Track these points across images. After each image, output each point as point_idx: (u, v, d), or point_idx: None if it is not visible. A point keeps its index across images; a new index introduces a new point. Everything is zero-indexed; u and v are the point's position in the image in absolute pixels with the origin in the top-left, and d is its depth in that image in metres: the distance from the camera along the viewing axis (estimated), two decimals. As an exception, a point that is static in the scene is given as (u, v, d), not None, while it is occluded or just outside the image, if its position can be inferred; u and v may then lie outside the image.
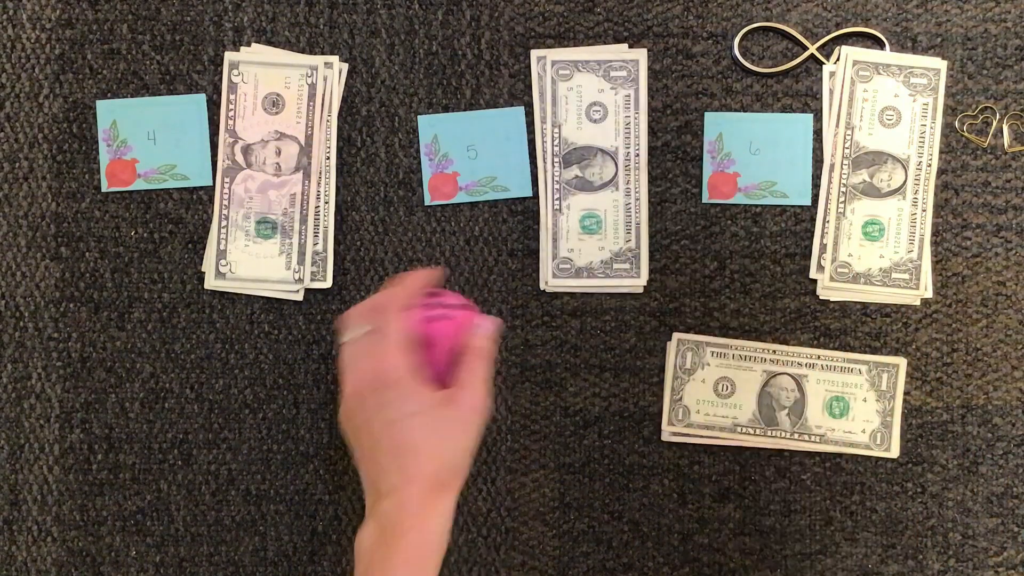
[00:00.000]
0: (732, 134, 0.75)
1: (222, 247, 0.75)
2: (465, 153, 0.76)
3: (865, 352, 0.75)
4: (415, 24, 0.76)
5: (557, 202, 0.75)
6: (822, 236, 0.75)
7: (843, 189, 0.75)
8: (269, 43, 0.76)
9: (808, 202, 0.75)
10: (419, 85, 0.76)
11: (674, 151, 0.76)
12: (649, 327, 0.75)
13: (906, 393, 0.75)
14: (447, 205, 0.76)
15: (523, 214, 0.76)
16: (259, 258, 0.75)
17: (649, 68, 0.76)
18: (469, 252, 0.76)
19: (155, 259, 0.75)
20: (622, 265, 0.75)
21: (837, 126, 0.75)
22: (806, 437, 0.75)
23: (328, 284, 0.75)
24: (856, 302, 0.75)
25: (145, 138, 0.75)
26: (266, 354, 0.75)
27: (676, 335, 0.75)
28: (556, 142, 0.75)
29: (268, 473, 0.75)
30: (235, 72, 0.75)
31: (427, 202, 0.75)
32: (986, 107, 0.76)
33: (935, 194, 0.75)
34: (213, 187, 0.75)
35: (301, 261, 0.75)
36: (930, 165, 0.75)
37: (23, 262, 0.75)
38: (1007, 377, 0.75)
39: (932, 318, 0.75)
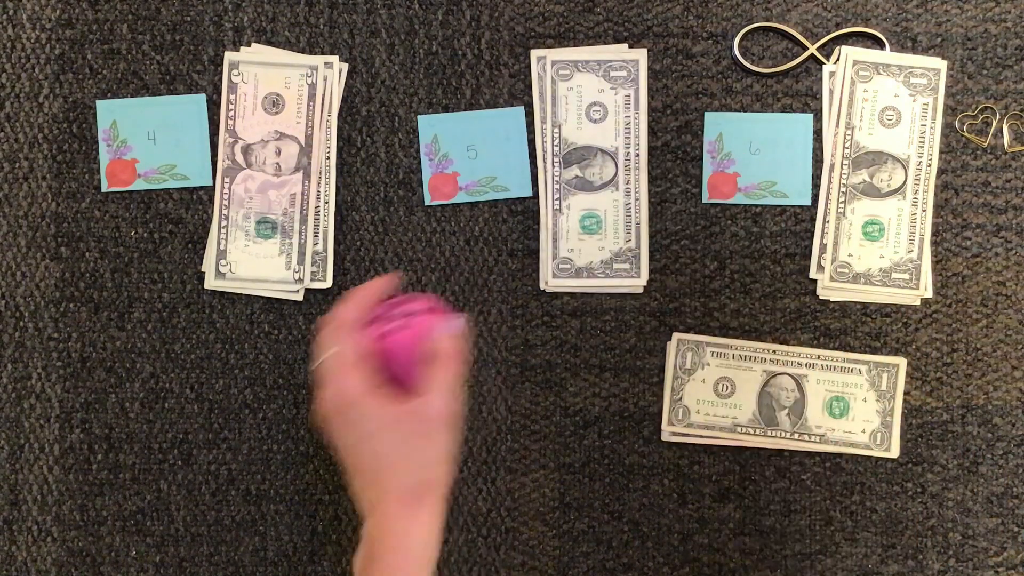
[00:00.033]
0: (732, 134, 0.75)
1: (222, 247, 0.75)
2: (465, 153, 0.76)
3: (865, 352, 0.75)
4: (415, 24, 0.76)
5: (557, 202, 0.75)
6: (822, 236, 0.75)
7: (843, 189, 0.75)
8: (269, 43, 0.76)
9: (808, 202, 0.75)
10: (419, 85, 0.76)
11: (674, 151, 0.76)
12: (649, 327, 0.75)
13: (906, 393, 0.75)
14: (447, 205, 0.76)
15: (523, 214, 0.76)
16: (259, 258, 0.75)
17: (649, 68, 0.76)
18: (469, 252, 0.76)
19: (155, 259, 0.75)
20: (622, 265, 0.75)
21: (837, 126, 0.75)
22: (806, 437, 0.75)
23: (328, 284, 0.75)
24: (856, 302, 0.75)
25: (145, 138, 0.75)
26: (266, 354, 0.75)
27: (676, 335, 0.75)
28: (556, 142, 0.75)
29: (268, 473, 0.75)
30: (235, 72, 0.75)
31: (427, 202, 0.75)
32: (986, 107, 0.76)
33: (935, 194, 0.75)
34: (213, 187, 0.75)
35: (301, 261, 0.75)
36: (930, 165, 0.75)
37: (23, 262, 0.75)
38: (1007, 377, 0.75)
39: (932, 318, 0.75)
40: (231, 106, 0.75)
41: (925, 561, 0.75)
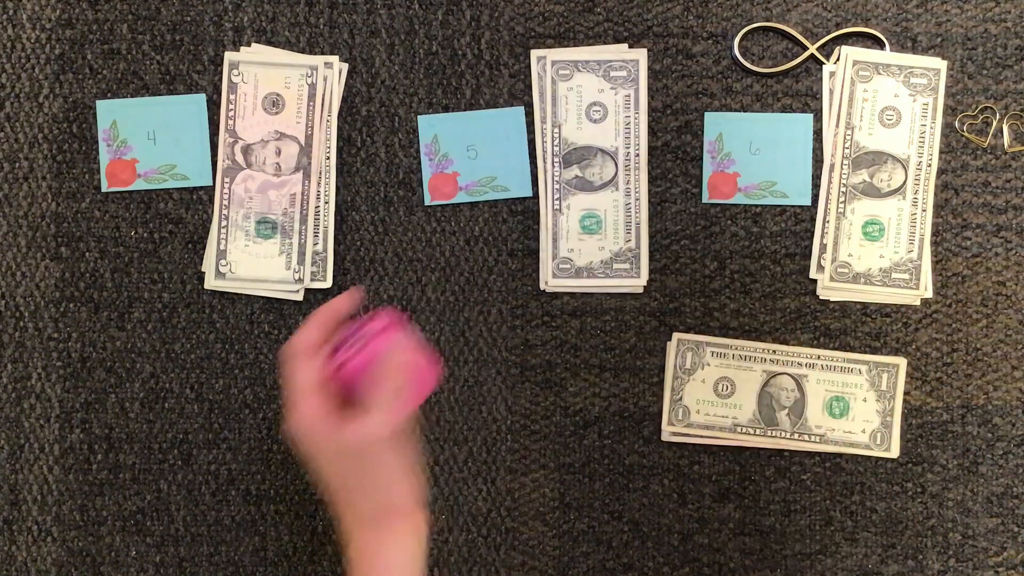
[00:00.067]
0: (732, 134, 0.75)
1: (222, 247, 0.75)
2: (465, 153, 0.76)
3: (865, 352, 0.75)
4: (415, 24, 0.76)
5: (557, 202, 0.75)
6: (822, 236, 0.75)
7: (843, 189, 0.75)
8: (269, 43, 0.76)
9: (808, 202, 0.75)
10: (419, 85, 0.76)
11: (674, 151, 0.76)
12: (649, 327, 0.75)
13: (906, 393, 0.75)
14: (447, 205, 0.76)
15: (523, 214, 0.76)
16: (259, 258, 0.75)
17: (649, 68, 0.76)
18: (469, 252, 0.76)
19: (155, 259, 0.75)
20: (622, 265, 0.75)
21: (837, 126, 0.75)
22: (806, 437, 0.75)
23: (328, 284, 0.75)
24: (856, 302, 0.75)
25: (145, 138, 0.75)
26: (266, 354, 0.75)
27: (676, 335, 0.75)
28: (556, 142, 0.75)
29: (268, 473, 0.75)
30: (235, 72, 0.75)
31: (427, 202, 0.75)
32: (986, 107, 0.76)
33: (935, 194, 0.75)
34: (213, 187, 0.75)
35: (301, 261, 0.75)
36: (930, 165, 0.75)
37: (23, 262, 0.75)
38: (1007, 377, 0.75)
39: (932, 318, 0.75)
40: (231, 106, 0.75)
41: (925, 561, 0.75)
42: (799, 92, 0.76)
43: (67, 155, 0.75)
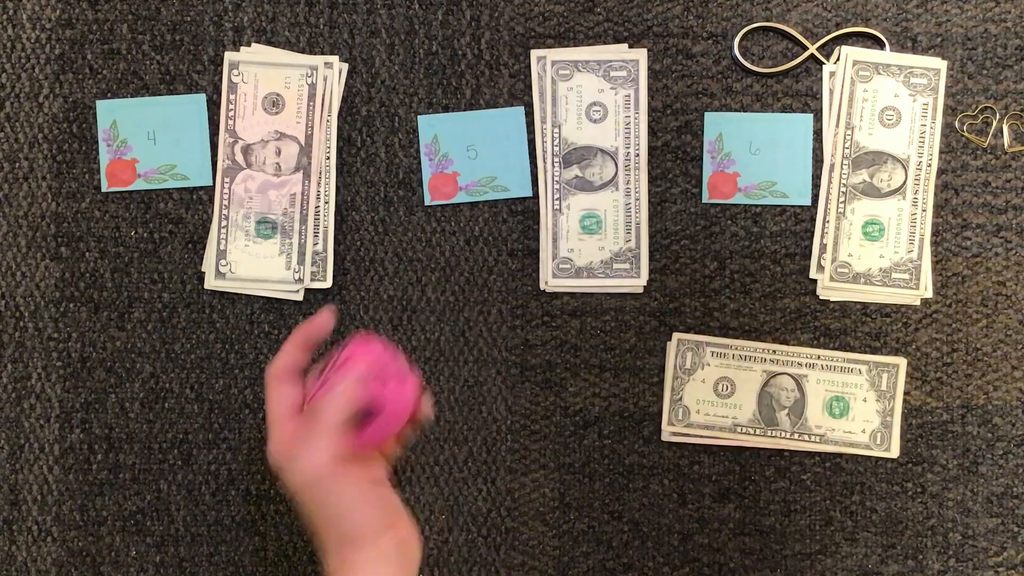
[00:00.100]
0: (732, 134, 0.75)
1: (222, 247, 0.75)
2: (465, 153, 0.76)
3: (865, 352, 0.75)
4: (415, 24, 0.76)
5: (557, 202, 0.75)
6: (822, 236, 0.75)
7: (843, 189, 0.75)
8: (269, 43, 0.76)
9: (808, 202, 0.75)
10: (419, 85, 0.76)
11: (674, 151, 0.76)
12: (649, 327, 0.75)
13: (906, 393, 0.75)
14: (447, 205, 0.76)
15: (523, 214, 0.76)
16: (259, 258, 0.75)
17: (649, 68, 0.76)
18: (469, 252, 0.76)
19: (155, 259, 0.75)
20: (622, 265, 0.75)
21: (837, 126, 0.75)
22: (806, 437, 0.75)
23: (328, 284, 0.75)
24: (856, 302, 0.75)
25: (145, 138, 0.75)
26: (266, 354, 0.75)
27: (676, 335, 0.75)
28: (556, 142, 0.75)
29: (268, 473, 0.75)
30: (235, 72, 0.75)
31: (427, 202, 0.75)
32: (986, 107, 0.76)
33: (935, 194, 0.75)
34: (213, 187, 0.75)
35: (301, 261, 0.75)
36: (930, 165, 0.75)
37: (23, 262, 0.75)
38: (1007, 377, 0.75)
39: (932, 318, 0.75)
40: (231, 106, 0.75)
41: (925, 561, 0.75)
42: (799, 92, 0.76)
43: (67, 155, 0.75)
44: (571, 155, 0.75)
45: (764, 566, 0.75)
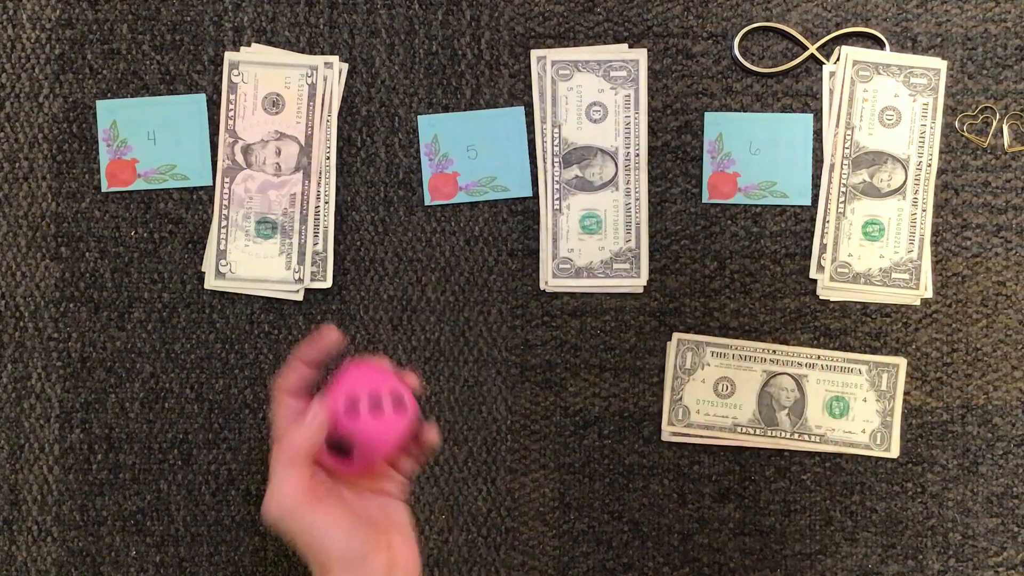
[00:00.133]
0: (732, 134, 0.75)
1: (222, 247, 0.75)
2: (465, 153, 0.76)
3: (865, 352, 0.75)
4: (415, 24, 0.76)
5: (557, 202, 0.75)
6: (822, 236, 0.75)
7: (843, 189, 0.75)
8: (269, 43, 0.76)
9: (808, 202, 0.75)
10: (419, 85, 0.76)
11: (674, 151, 0.76)
12: (649, 327, 0.75)
13: (906, 393, 0.75)
14: (447, 205, 0.76)
15: (523, 214, 0.76)
16: (259, 258, 0.75)
17: (649, 68, 0.76)
18: (469, 252, 0.76)
19: (155, 259, 0.75)
20: (622, 265, 0.75)
21: (837, 126, 0.75)
22: (806, 437, 0.75)
23: (328, 284, 0.75)
24: (856, 302, 0.75)
25: (145, 138, 0.75)
26: (266, 354, 0.75)
27: (676, 335, 0.75)
28: (556, 142, 0.75)
29: (268, 473, 0.75)
30: (235, 72, 0.75)
31: (427, 202, 0.75)
32: (986, 107, 0.76)
33: (935, 194, 0.75)
34: (213, 187, 0.75)
35: (301, 261, 0.75)
36: (930, 165, 0.75)
37: (23, 262, 0.75)
38: (1007, 377, 0.75)
39: (932, 318, 0.75)
40: (231, 106, 0.75)
41: (925, 561, 0.75)
42: (799, 92, 0.76)
43: (67, 155, 0.75)
44: (571, 155, 0.75)
45: (764, 566, 0.75)
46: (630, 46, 0.76)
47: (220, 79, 0.75)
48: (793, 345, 0.75)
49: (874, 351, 0.75)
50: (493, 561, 0.75)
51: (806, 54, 0.75)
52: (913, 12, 0.76)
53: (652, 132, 0.76)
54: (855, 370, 0.75)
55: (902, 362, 0.75)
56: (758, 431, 0.75)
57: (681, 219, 0.76)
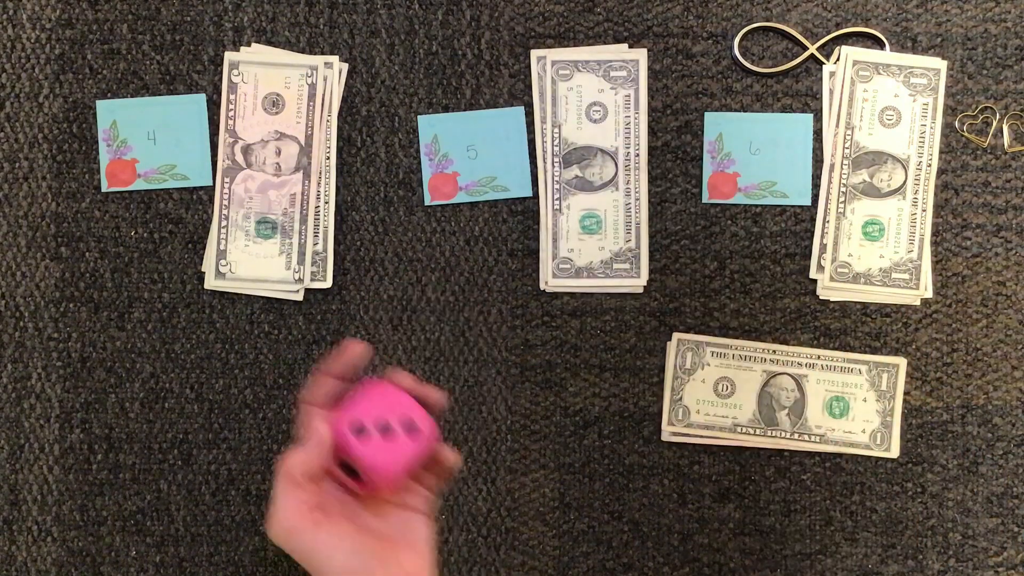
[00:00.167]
0: (732, 134, 0.75)
1: (222, 247, 0.75)
2: (465, 153, 0.76)
3: (865, 352, 0.75)
4: (415, 24, 0.76)
5: (557, 202, 0.75)
6: (822, 236, 0.75)
7: (843, 189, 0.75)
8: (269, 43, 0.76)
9: (808, 202, 0.75)
10: (419, 85, 0.76)
11: (674, 151, 0.76)
12: (649, 327, 0.75)
13: (906, 393, 0.75)
14: (447, 205, 0.76)
15: (523, 214, 0.76)
16: (259, 258, 0.75)
17: (649, 68, 0.76)
18: (469, 252, 0.76)
19: (155, 259, 0.75)
20: (622, 265, 0.75)
21: (837, 126, 0.75)
22: (806, 437, 0.75)
23: (328, 284, 0.75)
24: (856, 302, 0.75)
25: (145, 138, 0.75)
26: (266, 354, 0.75)
27: (676, 335, 0.75)
28: (556, 142, 0.75)
29: (268, 473, 0.75)
30: (235, 72, 0.75)
31: (427, 202, 0.76)
32: (986, 107, 0.76)
33: (935, 194, 0.75)
34: (213, 187, 0.75)
35: (301, 261, 0.75)
36: (930, 165, 0.75)
37: (23, 262, 0.75)
38: (1007, 377, 0.75)
39: (932, 318, 0.75)
40: (231, 106, 0.75)
41: (925, 561, 0.75)
42: (799, 92, 0.76)
43: (67, 155, 0.75)
44: (571, 155, 0.75)
45: (764, 566, 0.75)
46: (630, 46, 0.76)
47: (220, 79, 0.75)
48: (793, 345, 0.75)
49: (874, 351, 0.75)
50: (493, 561, 0.75)
51: (806, 54, 0.75)
52: (913, 12, 0.76)
53: (652, 132, 0.76)
54: (855, 370, 0.75)
55: (902, 362, 0.75)
56: (758, 431, 0.75)
57: (681, 219, 0.76)
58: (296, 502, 0.54)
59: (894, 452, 0.75)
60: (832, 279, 0.75)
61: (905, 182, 0.75)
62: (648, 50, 0.75)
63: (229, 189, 0.75)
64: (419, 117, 0.76)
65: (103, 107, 0.75)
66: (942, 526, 0.75)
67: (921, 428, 0.75)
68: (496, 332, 0.75)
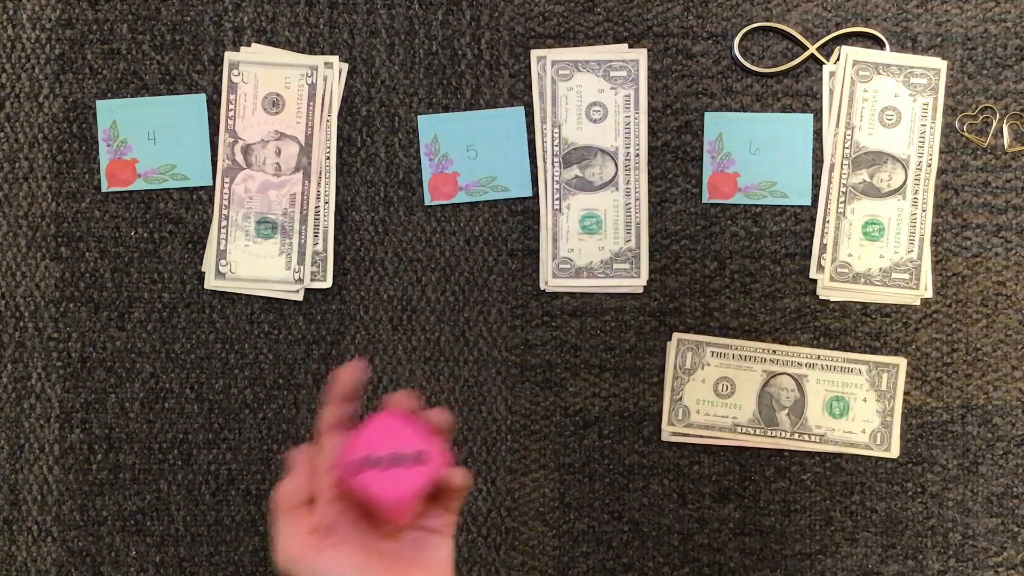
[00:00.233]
0: (732, 134, 0.75)
1: (222, 247, 0.75)
2: (465, 153, 0.76)
3: (865, 352, 0.75)
4: (415, 24, 0.76)
5: (557, 202, 0.75)
6: (822, 236, 0.75)
7: (843, 189, 0.75)
8: (269, 43, 0.76)
9: (808, 202, 0.75)
10: (419, 85, 0.76)
11: (674, 151, 0.76)
12: (649, 327, 0.75)
13: (906, 393, 0.75)
14: (447, 205, 0.76)
15: (523, 214, 0.76)
16: (259, 258, 0.75)
17: (649, 68, 0.76)
18: (469, 252, 0.76)
19: (155, 259, 0.75)
20: (622, 265, 0.75)
21: (837, 126, 0.75)
22: (806, 437, 0.75)
23: (328, 284, 0.75)
24: (856, 302, 0.75)
25: (145, 138, 0.75)
26: (266, 354, 0.75)
27: (676, 335, 0.75)
28: (556, 142, 0.75)
29: (268, 473, 0.75)
30: (235, 72, 0.75)
31: (427, 202, 0.76)
32: (986, 107, 0.76)
33: (935, 194, 0.75)
34: (213, 187, 0.75)
35: (301, 261, 0.75)
36: (930, 165, 0.75)
37: (23, 262, 0.75)
38: (1007, 377, 0.75)
39: (932, 318, 0.75)
40: (231, 106, 0.75)
41: (925, 561, 0.75)
42: (799, 92, 0.76)
43: (67, 155, 0.75)
44: (571, 155, 0.75)
45: (764, 566, 0.75)
46: (630, 46, 0.76)
47: (220, 79, 0.75)
48: (793, 345, 0.75)
49: (874, 351, 0.75)
50: (493, 561, 0.75)
51: (806, 54, 0.75)
52: (913, 12, 0.76)
53: (652, 132, 0.76)
54: (855, 370, 0.75)
55: (902, 362, 0.75)
56: (758, 431, 0.75)
57: (681, 219, 0.76)
58: (294, 529, 0.54)
59: (894, 452, 0.75)
60: (832, 279, 0.75)
61: (905, 182, 0.75)
62: (648, 50, 0.75)
63: (229, 189, 0.75)
64: (419, 117, 0.76)
65: (103, 107, 0.75)
66: (942, 526, 0.75)
67: (921, 428, 0.75)
68: (496, 332, 0.75)
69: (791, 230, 0.76)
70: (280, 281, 0.75)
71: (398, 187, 0.76)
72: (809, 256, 0.75)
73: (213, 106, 0.75)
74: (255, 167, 0.75)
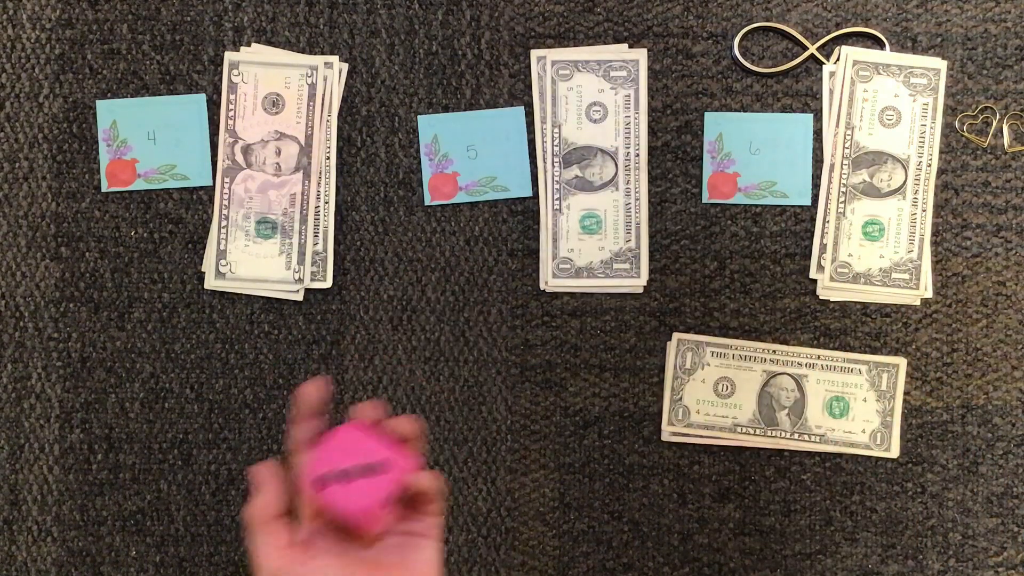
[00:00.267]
0: (732, 134, 0.75)
1: (222, 247, 0.75)
2: (465, 153, 0.76)
3: (865, 352, 0.75)
4: (415, 24, 0.76)
5: (557, 202, 0.75)
6: (822, 236, 0.75)
7: (843, 189, 0.75)
8: (269, 43, 0.76)
9: (808, 202, 0.75)
10: (419, 85, 0.76)
11: (674, 151, 0.76)
12: (649, 327, 0.75)
13: (906, 393, 0.75)
14: (447, 205, 0.76)
15: (523, 214, 0.76)
16: (259, 258, 0.75)
17: (649, 68, 0.76)
18: (469, 252, 0.76)
19: (155, 259, 0.75)
20: (622, 265, 0.75)
21: (837, 126, 0.75)
22: (806, 437, 0.75)
23: (328, 284, 0.75)
24: (856, 302, 0.75)
25: (145, 138, 0.75)
26: (266, 354, 0.75)
27: (676, 335, 0.75)
28: (556, 142, 0.75)
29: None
30: (235, 72, 0.75)
31: (427, 202, 0.76)
32: (986, 107, 0.76)
33: (935, 194, 0.75)
34: (213, 187, 0.75)
35: (301, 261, 0.75)
36: (930, 165, 0.75)
37: (23, 262, 0.75)
38: (1007, 377, 0.75)
39: (932, 318, 0.75)
40: (231, 106, 0.75)
41: (925, 561, 0.75)
42: (799, 92, 0.76)
43: (67, 155, 0.75)
44: (571, 155, 0.75)
45: (764, 566, 0.75)
46: (630, 46, 0.76)
47: (220, 79, 0.75)
48: (793, 345, 0.75)
49: (874, 351, 0.75)
50: (493, 561, 0.75)
51: (806, 54, 0.75)
52: (913, 12, 0.76)
53: (652, 132, 0.76)
54: (855, 370, 0.75)
55: (902, 362, 0.75)
56: (758, 431, 0.75)
57: (681, 219, 0.76)
58: (272, 542, 0.54)
59: (894, 452, 0.75)
60: (832, 279, 0.75)
61: (905, 182, 0.75)
62: (648, 50, 0.75)
63: (229, 189, 0.75)
64: (419, 117, 0.76)
65: (103, 107, 0.75)
66: (942, 526, 0.75)
67: (921, 428, 0.75)
68: (496, 332, 0.75)
69: (791, 230, 0.76)
70: (280, 281, 0.75)
71: (398, 187, 0.76)
72: (809, 256, 0.75)
73: (213, 106, 0.75)
74: (255, 167, 0.75)
